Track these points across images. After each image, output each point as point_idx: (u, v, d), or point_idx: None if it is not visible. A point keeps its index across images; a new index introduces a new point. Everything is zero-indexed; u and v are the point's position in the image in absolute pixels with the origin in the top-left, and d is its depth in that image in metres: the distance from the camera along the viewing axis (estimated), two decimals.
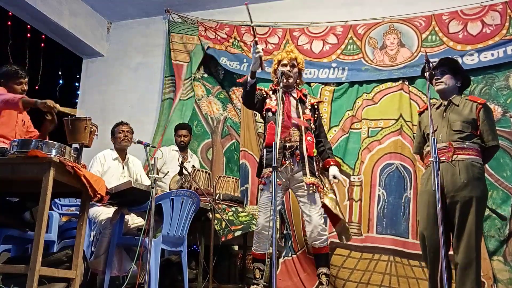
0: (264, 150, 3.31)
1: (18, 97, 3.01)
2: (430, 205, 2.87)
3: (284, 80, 3.35)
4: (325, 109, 4.81)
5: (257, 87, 3.44)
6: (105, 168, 3.79)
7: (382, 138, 4.57)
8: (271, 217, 3.20)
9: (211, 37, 5.45)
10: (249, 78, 3.23)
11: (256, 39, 3.21)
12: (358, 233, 4.29)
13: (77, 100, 6.21)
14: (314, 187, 3.27)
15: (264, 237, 3.25)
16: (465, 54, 4.45)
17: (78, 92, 6.21)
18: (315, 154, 3.36)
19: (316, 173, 3.33)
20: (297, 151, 3.30)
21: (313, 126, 3.43)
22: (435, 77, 2.98)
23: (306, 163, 3.29)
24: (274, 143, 2.85)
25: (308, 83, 4.87)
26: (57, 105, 2.92)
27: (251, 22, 3.07)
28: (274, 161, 2.78)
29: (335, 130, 4.76)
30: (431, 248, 2.85)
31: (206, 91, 5.35)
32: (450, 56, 3.26)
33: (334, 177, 3.37)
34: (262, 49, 5.08)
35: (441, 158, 2.83)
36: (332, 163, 3.42)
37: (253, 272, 3.35)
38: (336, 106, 4.84)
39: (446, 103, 3.02)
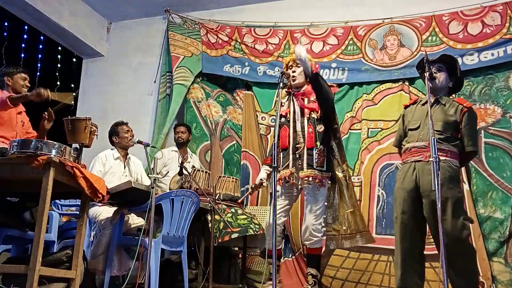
0: (281, 154, 3.37)
1: (5, 96, 3.04)
2: (405, 203, 2.87)
3: (292, 82, 3.43)
4: None
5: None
6: (106, 168, 3.78)
7: (382, 138, 4.58)
8: (286, 215, 3.42)
9: (213, 41, 5.44)
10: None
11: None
12: None
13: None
14: (310, 179, 3.23)
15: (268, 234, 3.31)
16: (465, 53, 4.45)
17: (74, 94, 6.19)
18: (318, 145, 3.28)
19: (315, 164, 3.25)
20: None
21: (318, 115, 3.35)
22: (430, 71, 2.86)
23: (304, 157, 3.28)
24: (274, 143, 2.85)
25: None
26: (49, 93, 2.91)
27: None
28: (274, 161, 2.78)
29: None
30: (403, 246, 2.84)
31: (205, 94, 5.35)
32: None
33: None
34: (263, 50, 5.16)
35: (418, 157, 2.85)
36: None
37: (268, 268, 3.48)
38: (337, 109, 4.76)
39: (433, 100, 2.97)
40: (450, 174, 2.81)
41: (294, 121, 3.38)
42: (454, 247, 2.69)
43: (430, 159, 2.72)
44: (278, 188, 3.37)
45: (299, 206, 4.20)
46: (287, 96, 3.52)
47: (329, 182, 3.36)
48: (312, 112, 3.36)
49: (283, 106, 3.48)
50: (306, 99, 3.41)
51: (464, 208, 3.00)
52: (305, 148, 3.29)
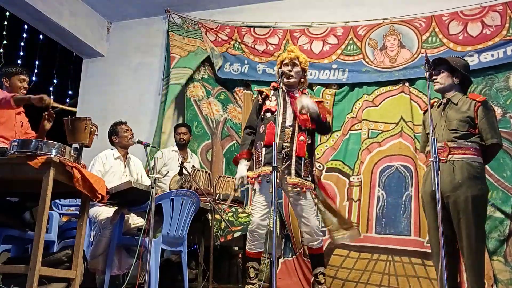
0: (263, 150, 3.26)
1: (9, 95, 3.01)
2: (429, 207, 2.93)
3: (285, 80, 3.35)
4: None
5: (257, 88, 3.60)
6: (107, 167, 3.79)
7: (382, 141, 4.57)
8: (269, 216, 3.24)
9: (212, 38, 5.44)
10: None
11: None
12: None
13: (67, 100, 6.23)
14: (298, 188, 3.20)
15: (259, 235, 3.23)
16: (465, 55, 4.45)
17: (70, 92, 6.22)
18: (306, 156, 3.27)
19: (302, 174, 3.23)
20: (288, 152, 3.26)
21: (310, 126, 3.32)
22: (430, 72, 2.91)
23: (293, 163, 3.23)
24: (274, 143, 2.84)
25: (310, 85, 4.87)
26: (51, 100, 2.89)
27: None
28: (274, 161, 2.77)
29: (337, 135, 4.77)
30: (434, 249, 2.90)
31: (206, 92, 5.32)
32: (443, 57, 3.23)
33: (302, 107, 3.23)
34: (263, 50, 5.16)
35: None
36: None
37: (247, 272, 3.33)
38: (338, 110, 4.85)
39: (445, 101, 3.02)
40: (469, 172, 2.80)
41: (284, 121, 3.30)
42: (469, 247, 2.72)
43: (449, 159, 2.80)
44: (257, 186, 3.27)
45: None
46: (273, 91, 3.43)
47: (314, 191, 3.34)
48: (306, 122, 3.31)
49: (270, 101, 3.39)
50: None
51: (485, 206, 2.94)
52: (294, 154, 3.24)
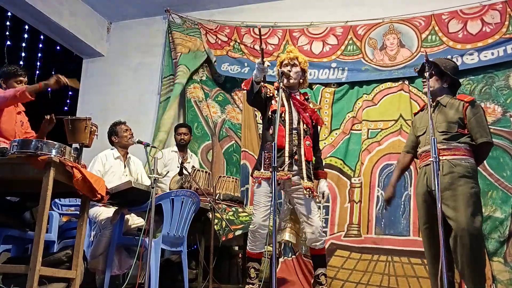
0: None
1: (21, 89, 2.98)
2: (422, 210, 2.98)
3: (285, 81, 3.34)
4: (326, 112, 4.82)
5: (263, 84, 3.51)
6: (106, 167, 3.79)
7: (382, 139, 4.58)
8: (270, 216, 3.20)
9: (212, 41, 5.44)
10: (254, 84, 3.19)
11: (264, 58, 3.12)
12: (357, 234, 4.30)
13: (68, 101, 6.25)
14: (311, 192, 3.23)
15: (260, 236, 3.22)
16: (465, 53, 4.45)
17: (70, 93, 6.22)
18: (313, 160, 3.33)
19: (312, 177, 3.30)
20: (296, 156, 3.24)
21: (310, 131, 3.35)
22: (430, 72, 2.92)
23: (304, 167, 3.24)
24: (274, 143, 2.82)
25: (309, 85, 4.86)
26: (64, 78, 2.90)
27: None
28: (274, 161, 2.76)
29: (336, 133, 4.77)
30: (429, 248, 2.91)
31: (204, 95, 5.34)
32: (437, 58, 3.23)
33: (323, 195, 3.35)
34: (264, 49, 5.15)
35: (427, 161, 2.87)
36: (323, 176, 3.43)
37: (247, 272, 3.33)
38: (337, 108, 4.85)
39: (434, 104, 3.03)
40: (458, 171, 2.82)
41: (291, 123, 3.29)
42: (462, 248, 2.71)
43: (438, 160, 2.76)
44: (257, 186, 3.26)
45: None
46: (276, 91, 3.36)
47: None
48: (308, 126, 3.33)
49: (276, 101, 3.30)
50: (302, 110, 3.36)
51: (479, 204, 2.90)
52: (303, 159, 3.25)
